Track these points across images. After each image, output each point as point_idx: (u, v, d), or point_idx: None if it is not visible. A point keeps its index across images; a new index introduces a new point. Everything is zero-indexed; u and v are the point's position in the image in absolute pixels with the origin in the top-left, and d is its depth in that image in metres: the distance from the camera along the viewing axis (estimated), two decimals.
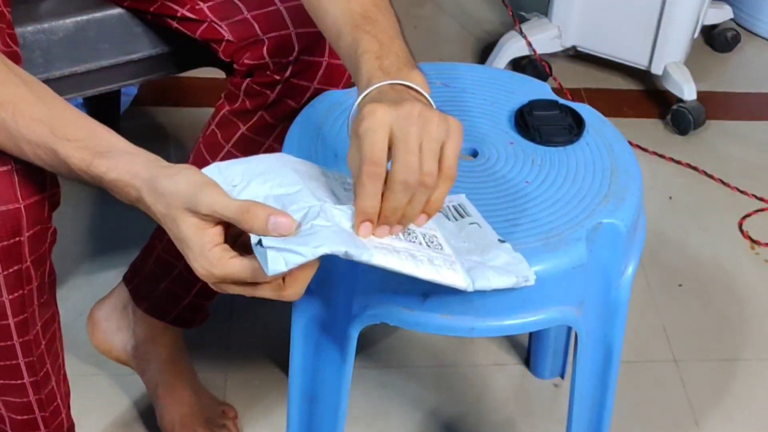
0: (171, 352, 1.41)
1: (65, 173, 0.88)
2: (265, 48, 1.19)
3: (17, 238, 0.94)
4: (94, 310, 1.44)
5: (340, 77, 1.22)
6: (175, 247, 1.31)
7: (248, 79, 1.22)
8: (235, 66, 1.22)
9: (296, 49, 1.19)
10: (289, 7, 1.19)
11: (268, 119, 1.22)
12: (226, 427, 1.42)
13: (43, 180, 0.95)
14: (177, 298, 1.37)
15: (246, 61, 1.20)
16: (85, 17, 1.26)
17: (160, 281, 1.36)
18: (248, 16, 1.19)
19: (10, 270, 0.96)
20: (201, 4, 1.20)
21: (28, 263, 0.98)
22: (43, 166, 0.89)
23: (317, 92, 1.20)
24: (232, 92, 1.24)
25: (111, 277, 1.41)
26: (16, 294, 0.99)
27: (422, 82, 0.91)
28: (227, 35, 1.20)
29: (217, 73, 1.30)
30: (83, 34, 1.27)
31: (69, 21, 1.26)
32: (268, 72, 1.20)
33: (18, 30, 1.20)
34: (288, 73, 1.20)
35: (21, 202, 0.93)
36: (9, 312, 1.00)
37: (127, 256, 1.39)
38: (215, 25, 1.20)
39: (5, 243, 0.94)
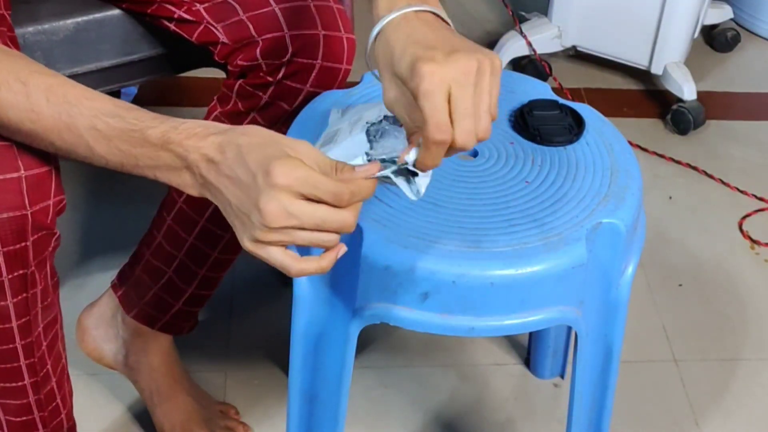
0: (162, 360, 1.40)
1: (123, 136, 0.86)
2: (258, 49, 1.19)
3: (23, 243, 0.95)
4: (82, 317, 1.42)
5: (334, 80, 1.22)
6: (165, 253, 1.32)
7: (241, 81, 1.22)
8: (228, 67, 1.22)
9: (290, 50, 1.19)
10: (285, 9, 1.19)
11: (261, 122, 1.22)
12: (228, 427, 1.42)
13: (49, 187, 0.95)
14: (166, 305, 1.35)
15: (239, 62, 1.20)
16: (85, 18, 1.26)
17: (149, 288, 1.35)
18: (243, 18, 1.19)
19: (15, 274, 0.96)
20: (198, 5, 1.20)
21: (33, 268, 0.98)
22: (94, 138, 0.87)
23: (310, 95, 1.20)
24: (224, 94, 1.25)
25: (111, 277, 1.41)
26: (20, 297, 0.99)
27: (439, 5, 0.92)
28: (222, 37, 1.20)
29: (217, 73, 1.31)
30: (84, 35, 1.27)
31: (69, 22, 1.26)
32: (261, 73, 1.20)
33: (19, 31, 1.20)
34: (281, 74, 1.20)
35: (28, 208, 0.93)
36: (12, 315, 1.00)
37: (126, 257, 1.39)
38: (211, 27, 1.20)
39: (11, 248, 0.94)
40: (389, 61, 0.88)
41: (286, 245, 0.83)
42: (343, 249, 0.85)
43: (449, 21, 0.92)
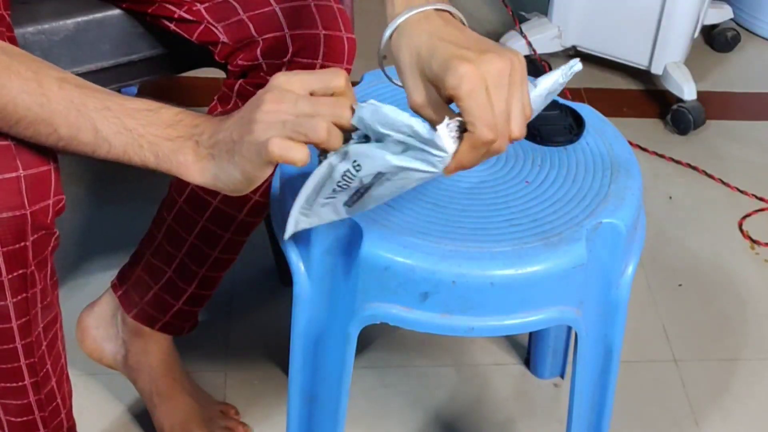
0: (162, 360, 1.40)
1: (135, 114, 0.88)
2: (258, 49, 1.19)
3: (22, 243, 0.95)
4: (82, 317, 1.42)
5: None
6: (165, 252, 1.31)
7: (241, 80, 1.22)
8: (229, 67, 1.22)
9: (290, 50, 1.19)
10: (285, 9, 1.19)
11: None
12: (228, 427, 1.42)
13: (48, 187, 0.95)
14: (166, 305, 1.35)
15: (240, 62, 1.20)
16: (85, 18, 1.26)
17: (149, 288, 1.35)
18: (244, 17, 1.19)
19: (15, 274, 0.96)
20: (198, 5, 1.21)
21: (33, 267, 0.98)
22: (103, 118, 0.88)
23: None
24: (225, 94, 1.25)
25: (111, 278, 1.41)
26: (20, 297, 0.99)
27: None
28: (223, 37, 1.20)
29: (217, 73, 1.31)
30: (84, 34, 1.27)
31: (69, 22, 1.26)
32: (261, 73, 1.20)
33: (19, 31, 1.20)
34: None
35: (27, 208, 0.93)
36: (12, 315, 1.00)
37: (126, 257, 1.39)
38: (211, 27, 1.20)
39: (10, 248, 0.94)
40: (414, 60, 0.87)
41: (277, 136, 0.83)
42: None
43: (465, 22, 0.91)
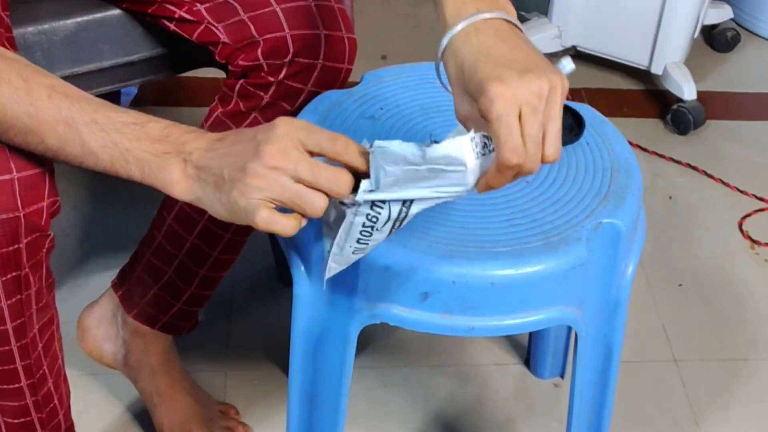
0: (162, 360, 1.40)
1: (123, 128, 0.87)
2: (259, 49, 1.19)
3: (16, 246, 0.94)
4: (83, 316, 1.42)
5: (336, 80, 1.22)
6: (165, 252, 1.31)
7: (242, 81, 1.22)
8: (230, 67, 1.22)
9: (291, 50, 1.19)
10: (286, 9, 1.19)
11: (262, 122, 1.22)
12: (228, 427, 1.42)
13: (42, 189, 0.95)
14: (166, 305, 1.35)
15: (240, 63, 1.20)
16: (85, 18, 1.26)
17: (149, 288, 1.35)
18: (244, 18, 1.19)
19: (8, 276, 0.96)
20: (198, 5, 1.21)
21: (27, 270, 0.97)
22: (90, 132, 0.87)
23: (312, 95, 1.20)
24: (225, 94, 1.25)
25: (111, 278, 1.41)
26: (14, 299, 0.98)
27: (508, 5, 0.91)
28: (223, 37, 1.20)
29: (217, 73, 1.31)
30: (84, 34, 1.27)
31: (70, 22, 1.26)
32: (262, 73, 1.20)
33: (19, 31, 1.20)
34: (282, 74, 1.20)
35: (21, 210, 0.93)
36: (7, 317, 0.99)
37: (126, 257, 1.39)
38: (212, 27, 1.20)
39: (4, 250, 0.94)
40: (460, 76, 0.88)
41: (272, 199, 0.82)
42: (304, 220, 0.84)
43: (519, 25, 0.90)
